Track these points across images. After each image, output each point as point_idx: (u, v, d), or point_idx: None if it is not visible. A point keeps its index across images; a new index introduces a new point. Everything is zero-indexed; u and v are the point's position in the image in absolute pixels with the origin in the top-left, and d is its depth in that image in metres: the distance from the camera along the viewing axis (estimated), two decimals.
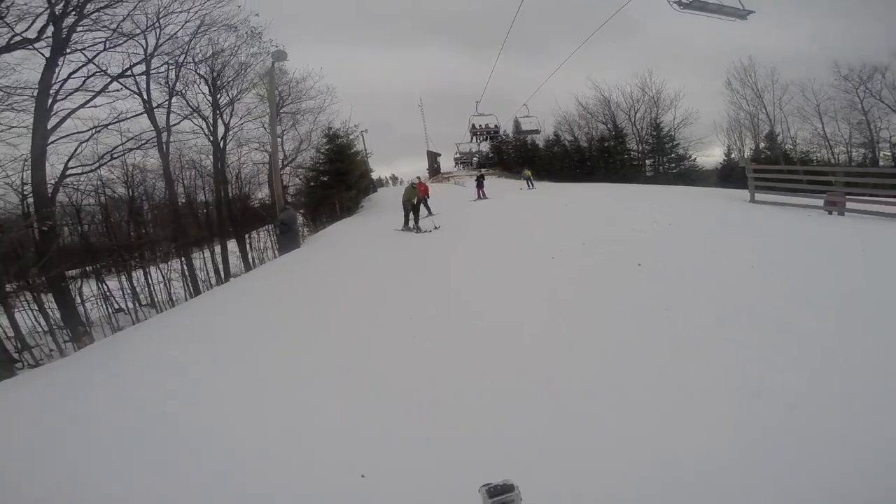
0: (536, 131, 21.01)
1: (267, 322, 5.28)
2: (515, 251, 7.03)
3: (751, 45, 18.81)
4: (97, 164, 10.60)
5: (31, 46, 8.83)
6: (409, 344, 4.20)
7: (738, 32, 16.67)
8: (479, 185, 14.81)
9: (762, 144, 21.63)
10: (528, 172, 17.02)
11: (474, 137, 21.06)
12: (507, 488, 1.13)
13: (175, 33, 11.59)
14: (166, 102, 12.46)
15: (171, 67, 12.18)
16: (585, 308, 4.54)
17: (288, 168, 15.19)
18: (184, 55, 12.73)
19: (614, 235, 7.19)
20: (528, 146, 23.55)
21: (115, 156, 10.64)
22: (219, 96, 13.84)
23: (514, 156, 23.88)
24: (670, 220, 7.99)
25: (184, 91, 12.98)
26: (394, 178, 25.46)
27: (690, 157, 20.42)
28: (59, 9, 9.01)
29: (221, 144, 14.12)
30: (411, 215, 10.73)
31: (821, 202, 8.38)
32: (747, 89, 21.00)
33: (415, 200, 10.91)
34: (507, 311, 4.72)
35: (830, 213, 8.25)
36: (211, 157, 13.70)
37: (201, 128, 13.63)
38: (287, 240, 9.04)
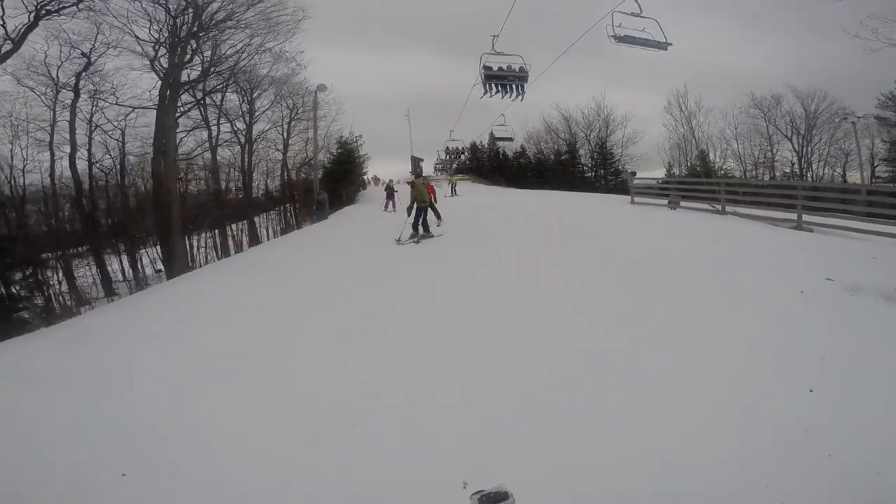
0: (510, 139, 22.20)
1: (304, 253, 9.99)
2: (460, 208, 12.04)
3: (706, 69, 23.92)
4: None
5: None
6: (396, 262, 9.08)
7: (690, 59, 21.65)
8: (453, 187, 18.67)
9: (695, 162, 27.48)
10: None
11: (448, 156, 25.23)
12: (501, 496, 1.08)
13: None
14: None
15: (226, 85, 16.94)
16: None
17: (300, 164, 20.06)
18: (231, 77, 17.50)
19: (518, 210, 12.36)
20: (500, 156, 28.97)
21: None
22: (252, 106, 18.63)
23: (487, 164, 29.26)
24: (566, 209, 13.24)
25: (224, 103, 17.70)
26: (375, 179, 27.01)
27: (626, 171, 25.96)
28: None
29: (248, 147, 18.91)
30: (420, 221, 9.60)
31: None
32: (681, 113, 26.83)
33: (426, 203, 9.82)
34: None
35: (672, 208, 13.58)
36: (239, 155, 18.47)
37: (235, 133, 18.39)
38: (320, 214, 13.86)
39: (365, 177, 24.79)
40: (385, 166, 27.64)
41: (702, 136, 26.79)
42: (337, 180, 18.87)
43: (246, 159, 18.82)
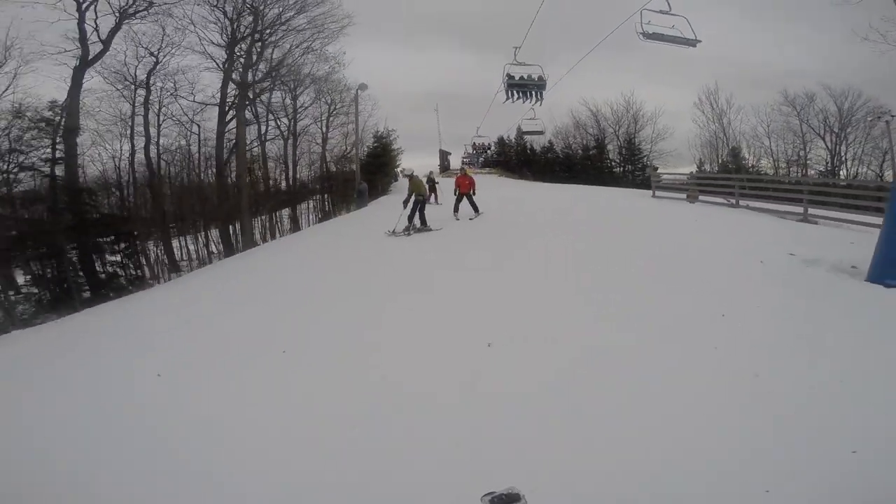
0: (540, 132, 21.92)
1: (343, 240, 11.37)
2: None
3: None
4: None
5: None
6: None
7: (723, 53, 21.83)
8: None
9: (727, 159, 27.63)
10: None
11: (475, 151, 26.32)
12: (512, 497, 1.09)
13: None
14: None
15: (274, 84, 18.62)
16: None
17: (338, 157, 21.67)
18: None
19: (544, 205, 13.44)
20: (528, 151, 29.85)
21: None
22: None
23: (514, 159, 30.19)
24: (591, 204, 14.22)
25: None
26: (403, 172, 30.62)
27: (650, 166, 26.32)
28: None
29: (292, 141, 20.59)
30: (417, 213, 10.21)
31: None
32: (711, 111, 26.99)
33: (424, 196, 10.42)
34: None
35: (691, 202, 14.35)
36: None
37: (279, 129, 20.07)
38: (360, 202, 15.38)
39: (397, 169, 26.37)
40: (412, 160, 28.81)
41: (733, 134, 26.90)
42: (373, 172, 20.36)
43: (290, 153, 20.60)
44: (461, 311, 5.12)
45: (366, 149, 21.33)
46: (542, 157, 29.72)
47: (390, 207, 15.49)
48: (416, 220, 10.14)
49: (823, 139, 22.95)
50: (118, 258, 11.79)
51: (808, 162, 25.16)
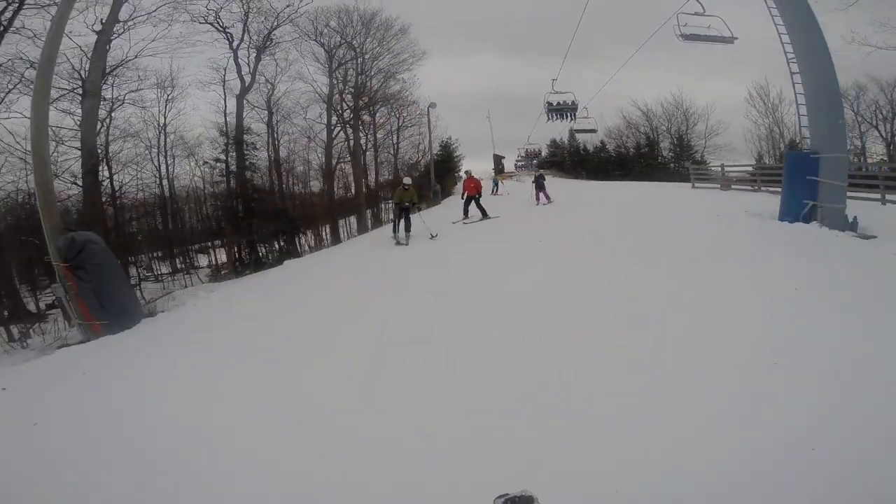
0: (594, 130, 22.36)
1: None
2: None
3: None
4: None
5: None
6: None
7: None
8: (540, 186, 15.14)
9: (784, 151, 28.60)
10: (497, 178, 23.04)
11: (526, 156, 29.34)
12: (526, 500, 1.11)
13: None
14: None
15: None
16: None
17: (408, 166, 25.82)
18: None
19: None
20: (581, 151, 32.47)
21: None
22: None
23: (568, 159, 32.92)
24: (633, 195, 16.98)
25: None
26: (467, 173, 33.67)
27: (704, 161, 27.97)
28: None
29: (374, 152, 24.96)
30: (402, 223, 10.72)
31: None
32: (764, 106, 28.15)
33: (405, 204, 10.81)
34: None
35: (724, 190, 16.66)
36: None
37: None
38: (435, 201, 19.18)
39: (457, 173, 30.09)
40: (470, 164, 32.10)
41: (787, 127, 27.84)
42: (440, 175, 24.23)
43: (373, 163, 25.04)
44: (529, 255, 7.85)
45: (435, 156, 25.28)
46: (595, 156, 32.22)
47: (453, 207, 19.25)
48: (402, 228, 10.89)
49: (877, 129, 23.54)
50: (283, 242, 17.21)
51: (864, 150, 25.66)
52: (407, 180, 11.67)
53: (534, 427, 3.04)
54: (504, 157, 31.35)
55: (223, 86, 17.89)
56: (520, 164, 30.53)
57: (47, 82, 8.12)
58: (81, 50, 13.78)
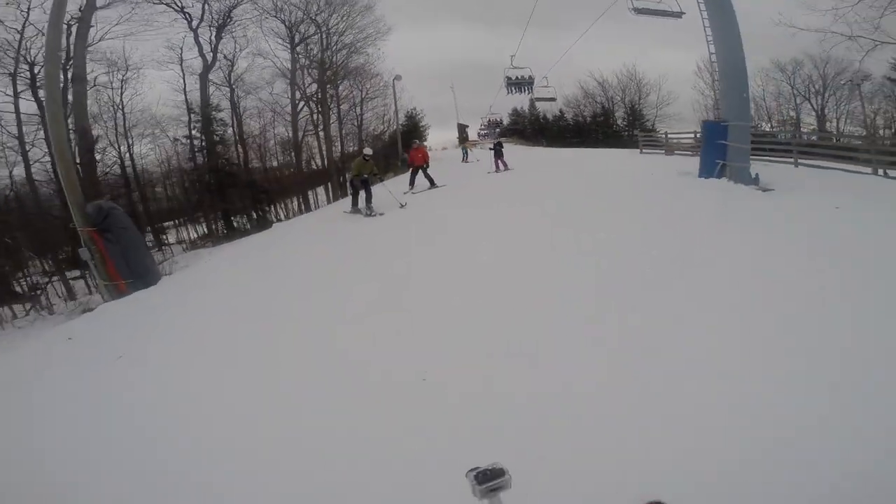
0: (553, 99, 23.36)
1: None
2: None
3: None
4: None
5: None
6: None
7: None
8: (498, 154, 16.16)
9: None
10: (467, 145, 24.03)
11: (487, 126, 30.33)
12: (497, 472, 1.13)
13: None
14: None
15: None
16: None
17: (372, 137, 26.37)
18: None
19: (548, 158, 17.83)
20: (541, 120, 33.85)
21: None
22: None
23: (529, 128, 34.26)
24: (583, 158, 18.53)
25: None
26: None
27: (654, 129, 29.92)
28: None
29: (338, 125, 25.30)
30: (361, 195, 10.52)
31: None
32: (711, 78, 30.19)
33: (364, 176, 10.51)
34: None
35: (668, 155, 18.40)
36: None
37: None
38: (405, 167, 20.04)
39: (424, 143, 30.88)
40: (434, 134, 32.78)
41: None
42: (406, 145, 24.99)
43: (338, 135, 25.38)
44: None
45: (401, 126, 25.90)
46: (554, 124, 33.72)
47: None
48: (363, 201, 10.77)
49: (810, 101, 26.10)
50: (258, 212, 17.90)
51: (799, 122, 28.38)
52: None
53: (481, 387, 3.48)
54: (468, 126, 32.25)
55: (181, 65, 17.93)
56: (483, 132, 31.59)
57: (55, 72, 8.99)
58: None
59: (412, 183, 12.93)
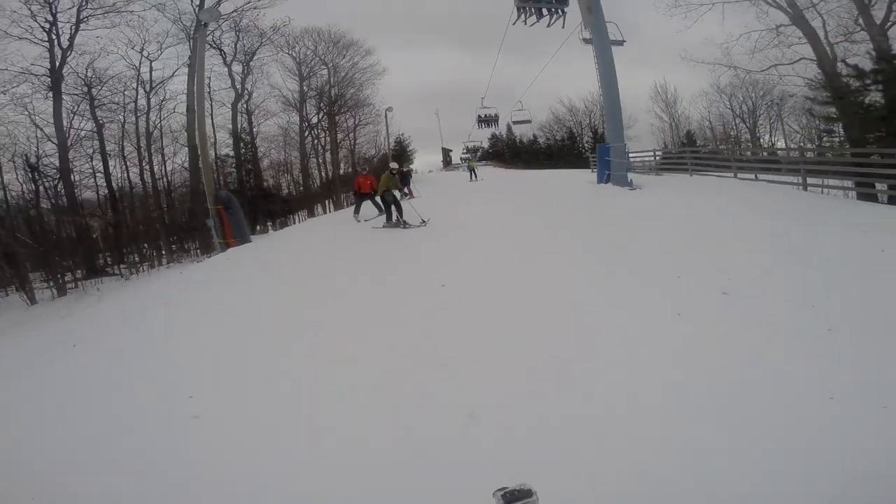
0: (528, 121, 24.76)
1: None
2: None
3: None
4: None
5: None
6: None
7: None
8: (471, 170, 23.86)
9: (684, 141, 35.27)
10: (471, 164, 26.83)
11: (468, 151, 34.33)
12: (524, 493, 1.13)
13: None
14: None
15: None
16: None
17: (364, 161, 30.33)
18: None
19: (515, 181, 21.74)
20: (517, 144, 38.14)
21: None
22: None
23: (507, 151, 38.52)
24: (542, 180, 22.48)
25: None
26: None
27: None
28: None
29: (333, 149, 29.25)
30: (392, 208, 10.72)
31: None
32: (664, 103, 34.68)
33: (393, 191, 10.87)
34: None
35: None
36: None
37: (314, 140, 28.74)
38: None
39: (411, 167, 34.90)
40: (420, 158, 36.76)
41: (686, 120, 34.61)
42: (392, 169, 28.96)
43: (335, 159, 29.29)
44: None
45: (391, 150, 29.91)
46: (528, 147, 38.02)
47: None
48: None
49: (744, 121, 30.46)
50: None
51: (739, 140, 32.74)
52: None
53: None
54: (452, 150, 36.45)
55: (209, 94, 22.03)
56: (464, 156, 35.83)
57: (201, 100, 14.49)
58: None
59: (358, 211, 12.18)
